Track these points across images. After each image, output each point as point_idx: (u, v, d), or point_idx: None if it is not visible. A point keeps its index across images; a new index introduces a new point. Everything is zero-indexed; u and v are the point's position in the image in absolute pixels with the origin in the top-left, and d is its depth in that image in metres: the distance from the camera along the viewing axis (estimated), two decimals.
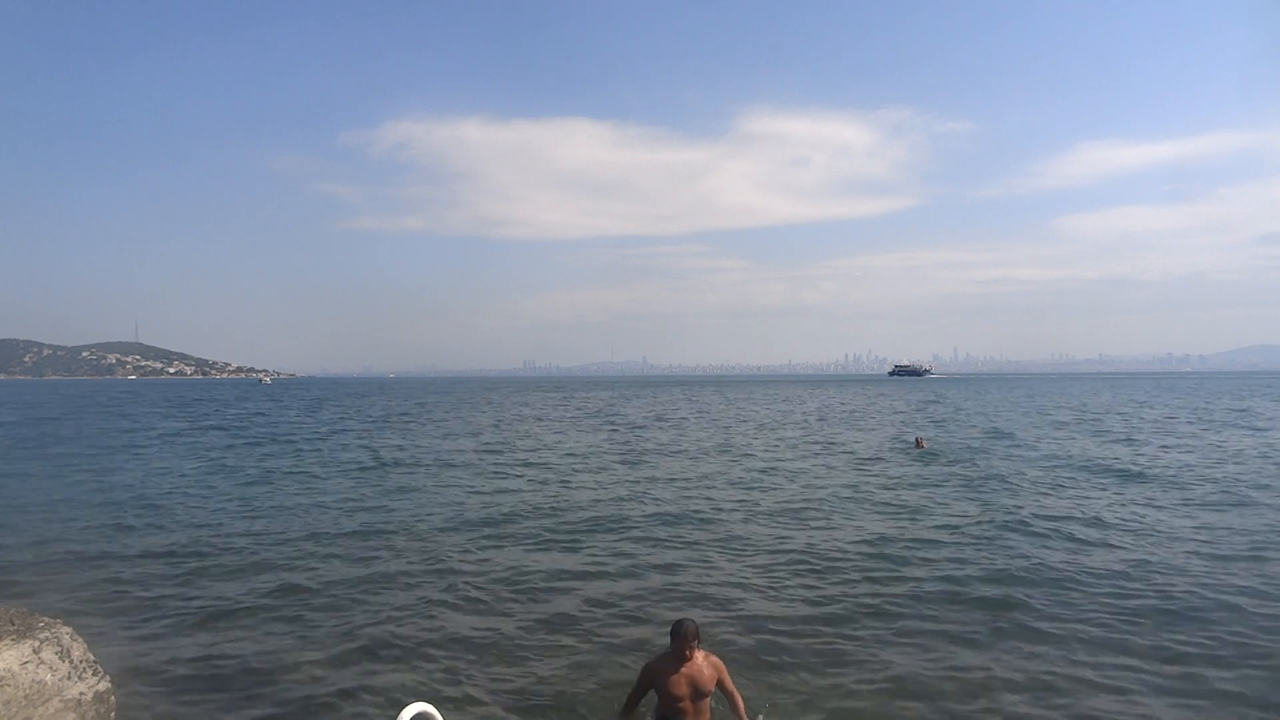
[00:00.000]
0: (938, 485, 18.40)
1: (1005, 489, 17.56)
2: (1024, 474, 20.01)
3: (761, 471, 21.29)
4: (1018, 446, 26.89)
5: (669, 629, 5.76)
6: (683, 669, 5.52)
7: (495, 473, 21.59)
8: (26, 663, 5.10)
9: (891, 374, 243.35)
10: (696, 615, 8.41)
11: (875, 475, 20.21)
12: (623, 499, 16.97)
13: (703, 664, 5.61)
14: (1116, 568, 10.83)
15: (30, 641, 5.23)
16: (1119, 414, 45.41)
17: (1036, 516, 14.24)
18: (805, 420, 43.58)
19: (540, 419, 46.15)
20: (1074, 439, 29.87)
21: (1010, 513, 14.60)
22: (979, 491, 17.28)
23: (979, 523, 13.87)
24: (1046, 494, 17.01)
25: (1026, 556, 11.41)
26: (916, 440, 25.98)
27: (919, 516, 14.56)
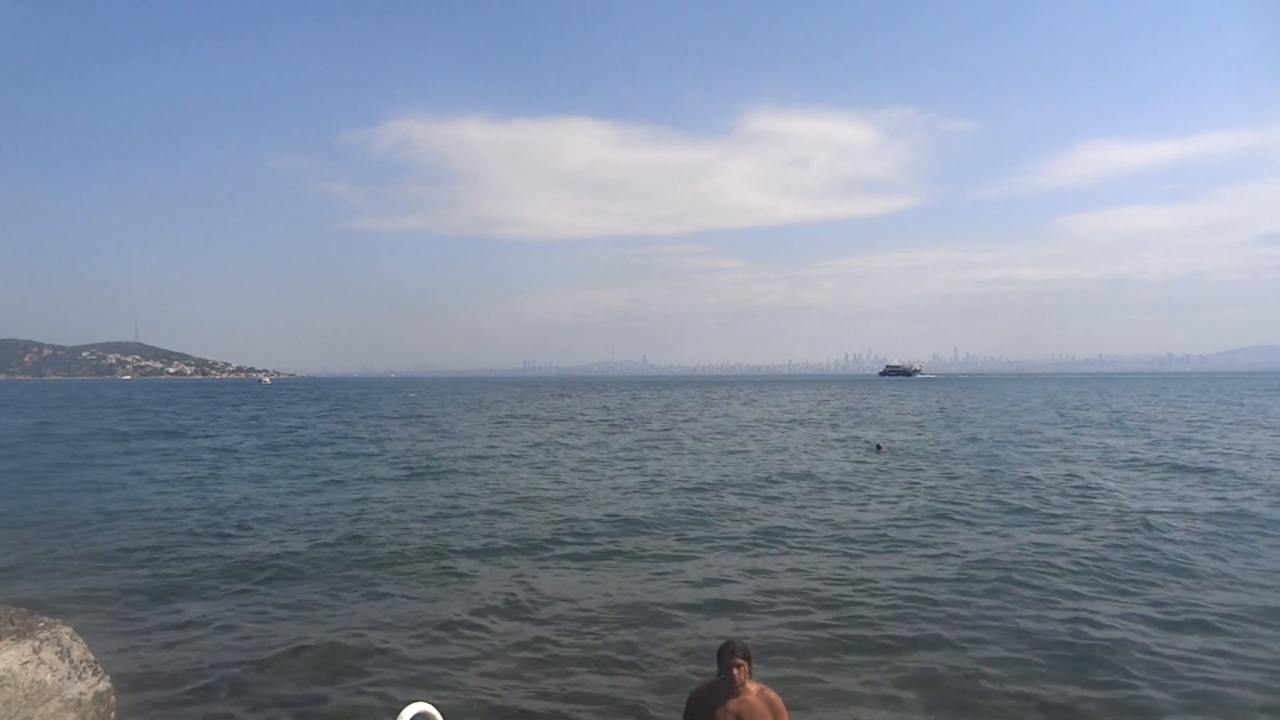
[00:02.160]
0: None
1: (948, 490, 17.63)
2: (966, 475, 20.12)
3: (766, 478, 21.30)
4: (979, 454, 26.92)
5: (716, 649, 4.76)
6: (730, 701, 4.56)
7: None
8: (26, 663, 5.11)
9: (883, 374, 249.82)
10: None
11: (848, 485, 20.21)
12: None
13: (756, 699, 4.60)
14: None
15: (30, 641, 5.23)
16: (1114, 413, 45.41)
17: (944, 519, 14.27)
18: (784, 421, 43.58)
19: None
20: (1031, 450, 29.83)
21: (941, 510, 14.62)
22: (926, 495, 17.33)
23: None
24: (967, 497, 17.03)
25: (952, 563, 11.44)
26: (877, 446, 26.39)
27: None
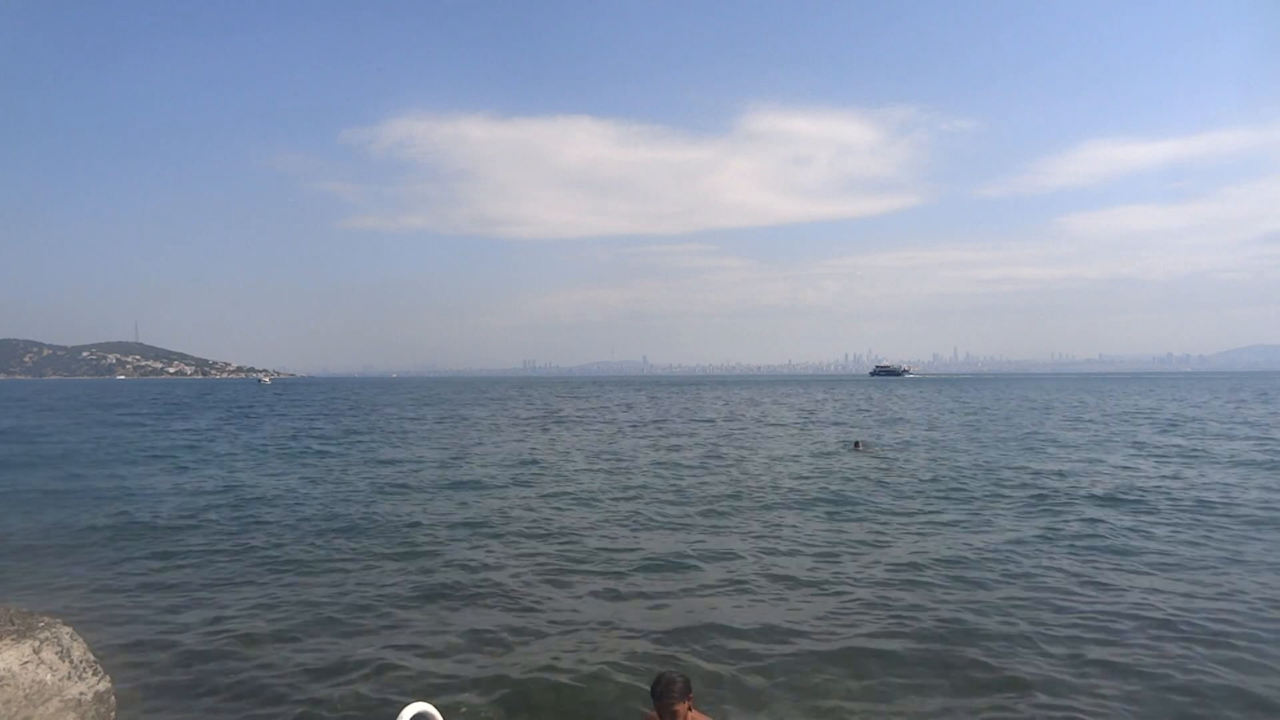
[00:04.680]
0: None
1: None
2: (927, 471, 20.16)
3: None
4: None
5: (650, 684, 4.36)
6: None
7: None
8: (26, 663, 5.11)
9: (873, 374, 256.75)
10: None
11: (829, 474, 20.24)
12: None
13: None
14: None
15: (30, 641, 5.24)
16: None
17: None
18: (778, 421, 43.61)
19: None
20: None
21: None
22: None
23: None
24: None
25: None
26: (855, 443, 26.86)
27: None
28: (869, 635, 8.29)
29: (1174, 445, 26.95)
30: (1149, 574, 10.55)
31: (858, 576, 10.52)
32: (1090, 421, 39.07)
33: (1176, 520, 14.05)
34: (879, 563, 11.22)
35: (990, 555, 11.60)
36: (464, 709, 6.63)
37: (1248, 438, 29.51)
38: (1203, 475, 19.61)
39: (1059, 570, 10.71)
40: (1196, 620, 8.56)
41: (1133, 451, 25.27)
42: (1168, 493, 16.88)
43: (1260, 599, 9.31)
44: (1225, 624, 8.45)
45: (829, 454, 25.34)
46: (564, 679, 7.25)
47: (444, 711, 4.46)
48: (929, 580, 10.31)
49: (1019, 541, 12.46)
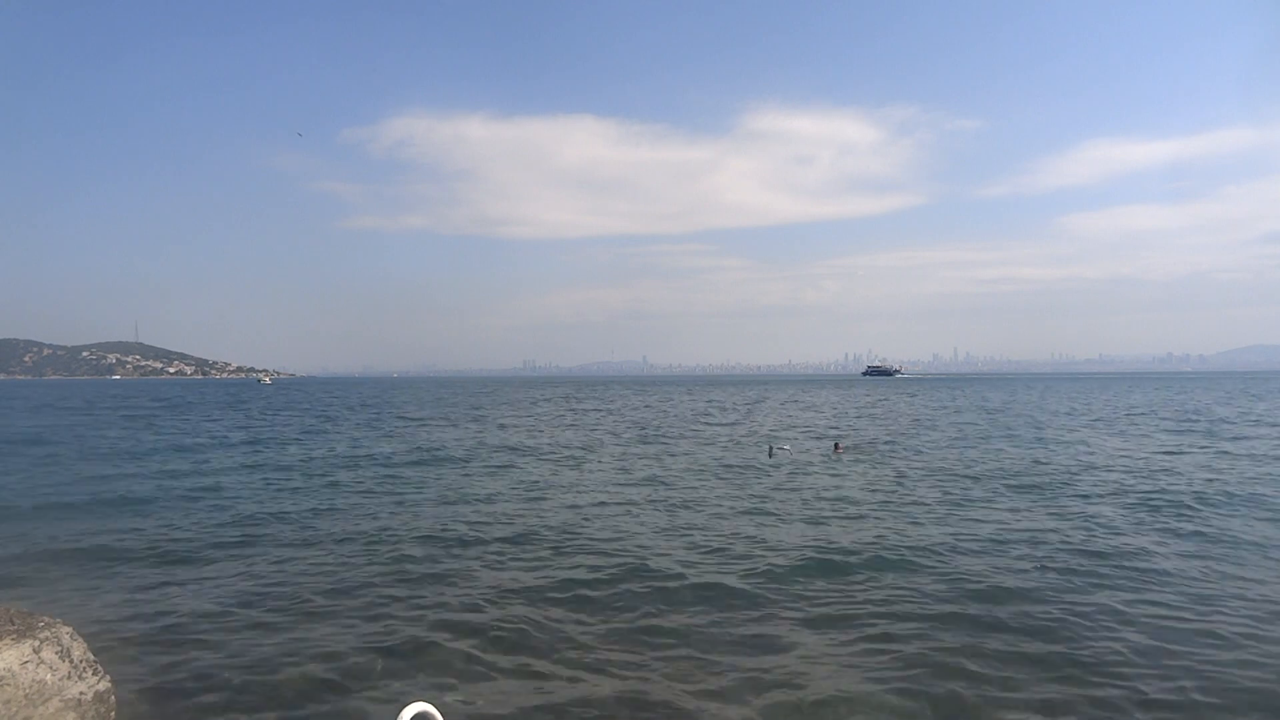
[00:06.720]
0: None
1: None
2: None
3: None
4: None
5: None
6: None
7: None
8: (26, 662, 5.11)
9: (865, 374, 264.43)
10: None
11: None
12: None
13: None
14: None
15: (30, 641, 5.24)
16: None
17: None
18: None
19: None
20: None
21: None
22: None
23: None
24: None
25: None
26: (835, 445, 26.91)
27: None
28: None
29: None
30: None
31: None
32: None
33: None
34: None
35: None
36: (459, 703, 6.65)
37: None
38: None
39: None
40: None
41: None
42: None
43: None
44: None
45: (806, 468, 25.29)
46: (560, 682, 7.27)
47: (444, 711, 4.47)
48: None
49: None
